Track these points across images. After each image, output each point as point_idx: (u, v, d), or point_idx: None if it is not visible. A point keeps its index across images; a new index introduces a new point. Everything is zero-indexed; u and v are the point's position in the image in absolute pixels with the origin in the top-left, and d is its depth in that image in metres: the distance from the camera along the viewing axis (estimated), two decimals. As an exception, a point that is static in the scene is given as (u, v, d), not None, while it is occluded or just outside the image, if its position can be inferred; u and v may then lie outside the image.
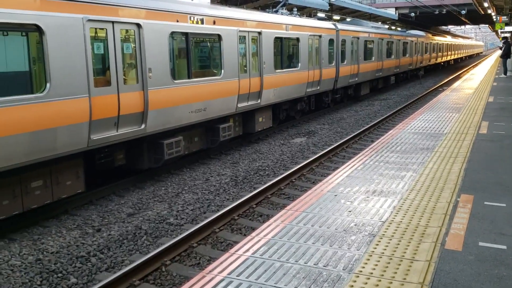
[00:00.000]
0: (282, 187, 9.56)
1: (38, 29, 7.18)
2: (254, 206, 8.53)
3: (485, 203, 5.53)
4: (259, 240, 4.57)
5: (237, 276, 3.88)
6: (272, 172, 10.91)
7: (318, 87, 17.57)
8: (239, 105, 12.40)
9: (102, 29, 8.31)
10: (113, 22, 8.43)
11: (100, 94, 8.20)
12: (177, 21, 10.01)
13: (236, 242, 6.99)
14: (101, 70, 8.50)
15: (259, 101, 13.33)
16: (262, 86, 13.32)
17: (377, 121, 16.99)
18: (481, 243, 4.43)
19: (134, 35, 8.97)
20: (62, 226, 7.80)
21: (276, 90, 14.25)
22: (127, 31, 8.85)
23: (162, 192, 9.53)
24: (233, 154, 12.69)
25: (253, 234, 4.75)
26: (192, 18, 10.46)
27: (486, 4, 30.68)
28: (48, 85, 7.31)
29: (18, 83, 7.35)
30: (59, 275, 6.17)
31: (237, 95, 12.21)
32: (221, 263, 4.11)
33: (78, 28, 7.76)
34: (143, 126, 9.12)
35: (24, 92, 7.19)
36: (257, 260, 4.16)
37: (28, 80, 7.42)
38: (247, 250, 4.36)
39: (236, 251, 4.36)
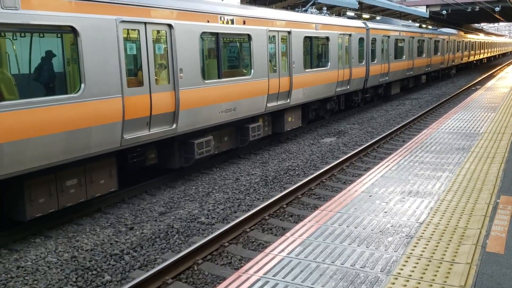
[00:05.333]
0: (313, 187, 9.48)
1: (73, 30, 7.31)
2: (285, 206, 8.48)
3: (527, 204, 5.35)
4: (294, 240, 4.53)
5: (273, 276, 3.85)
6: (302, 172, 10.83)
7: (348, 87, 17.38)
8: (269, 104, 12.37)
9: (135, 30, 8.40)
10: (145, 23, 8.51)
11: (133, 94, 8.29)
12: (208, 22, 10.05)
13: (267, 242, 6.97)
14: (134, 70, 8.60)
15: (288, 100, 13.26)
16: (291, 85, 13.25)
17: (408, 120, 16.69)
18: (524, 246, 4.28)
19: (166, 35, 9.04)
20: (96, 224, 7.93)
21: (306, 90, 14.16)
22: (158, 31, 8.93)
23: (193, 191, 9.58)
24: (262, 154, 12.66)
25: (288, 234, 4.71)
26: (222, 18, 10.48)
27: (521, 0, 29.76)
28: (82, 85, 7.43)
29: (54, 83, 7.51)
30: (94, 272, 6.26)
31: (266, 95, 12.18)
32: (257, 263, 4.09)
33: (112, 29, 7.87)
34: (174, 126, 9.19)
35: (59, 92, 7.34)
36: (293, 260, 4.12)
37: (63, 81, 7.57)
38: (282, 250, 4.32)
39: (271, 251, 4.32)
